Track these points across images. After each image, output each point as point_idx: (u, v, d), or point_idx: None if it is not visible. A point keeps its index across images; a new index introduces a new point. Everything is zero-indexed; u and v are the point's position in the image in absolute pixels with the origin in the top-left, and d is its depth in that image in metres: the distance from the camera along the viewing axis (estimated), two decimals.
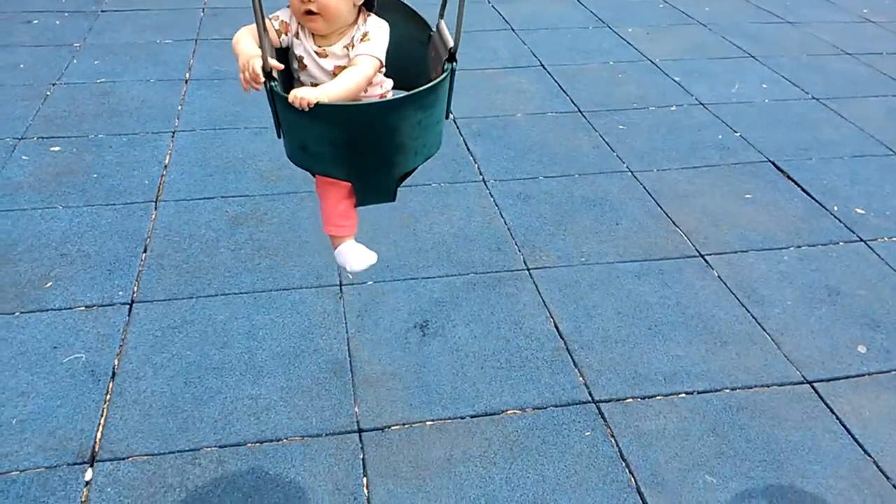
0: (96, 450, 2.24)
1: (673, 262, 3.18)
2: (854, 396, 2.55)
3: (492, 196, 3.58)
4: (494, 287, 2.99)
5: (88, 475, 2.16)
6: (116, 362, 2.56)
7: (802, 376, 2.62)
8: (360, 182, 1.84)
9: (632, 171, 3.84)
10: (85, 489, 2.12)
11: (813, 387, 2.58)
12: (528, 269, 3.09)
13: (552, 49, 5.32)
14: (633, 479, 2.24)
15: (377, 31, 1.84)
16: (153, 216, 3.34)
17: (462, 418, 2.41)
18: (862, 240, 3.36)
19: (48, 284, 2.89)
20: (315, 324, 2.76)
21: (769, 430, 2.40)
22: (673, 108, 4.54)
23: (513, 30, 5.66)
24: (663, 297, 2.97)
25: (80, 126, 4.05)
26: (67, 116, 4.14)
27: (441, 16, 1.97)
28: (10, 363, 2.53)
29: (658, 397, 2.52)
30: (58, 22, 5.47)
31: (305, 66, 1.87)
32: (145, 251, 3.11)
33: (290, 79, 1.91)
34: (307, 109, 1.64)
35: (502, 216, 3.43)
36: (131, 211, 3.37)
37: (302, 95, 1.63)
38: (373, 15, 1.88)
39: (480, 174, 3.75)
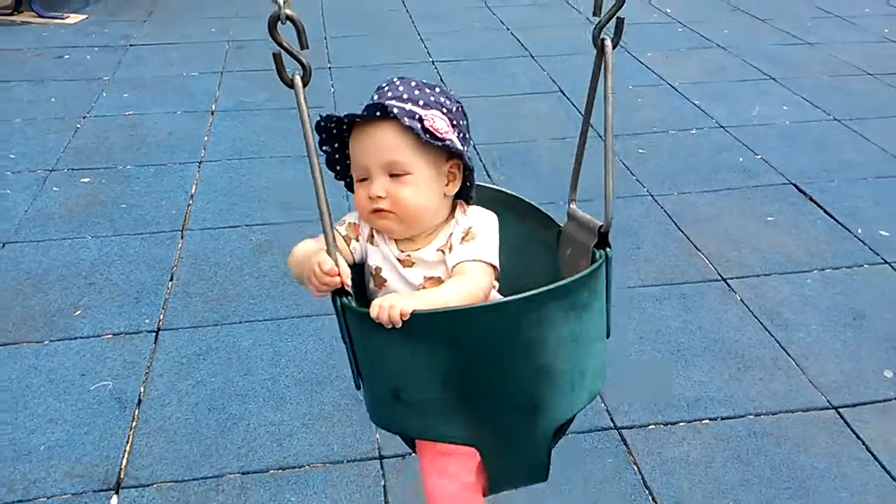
0: (121, 476, 2.28)
1: (695, 285, 3.17)
2: (881, 422, 2.51)
3: None
4: None
5: (114, 502, 2.19)
6: (142, 389, 2.60)
7: (828, 401, 2.59)
8: (494, 444, 1.23)
9: (652, 195, 3.84)
10: None
11: (839, 412, 2.54)
12: None
13: (571, 75, 5.36)
14: None
15: (485, 226, 1.38)
16: (179, 245, 3.40)
17: None
18: (887, 262, 3.32)
19: (77, 313, 2.96)
20: (337, 350, 2.78)
21: (794, 457, 2.37)
22: (693, 132, 4.54)
23: (532, 56, 5.72)
24: (685, 322, 2.96)
25: (110, 157, 4.15)
26: (97, 148, 4.25)
27: (572, 198, 1.51)
28: (39, 390, 2.58)
29: (681, 423, 2.50)
30: (88, 57, 5.63)
31: (384, 280, 1.40)
32: (172, 279, 3.17)
33: (364, 303, 1.32)
34: (399, 324, 1.14)
35: None
36: (158, 240, 3.43)
37: (391, 303, 1.15)
38: (474, 206, 1.45)
39: None
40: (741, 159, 4.21)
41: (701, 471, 2.32)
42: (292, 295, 3.07)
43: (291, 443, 2.40)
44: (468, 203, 1.45)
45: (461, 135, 1.40)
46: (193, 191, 3.84)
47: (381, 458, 2.36)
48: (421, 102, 1.35)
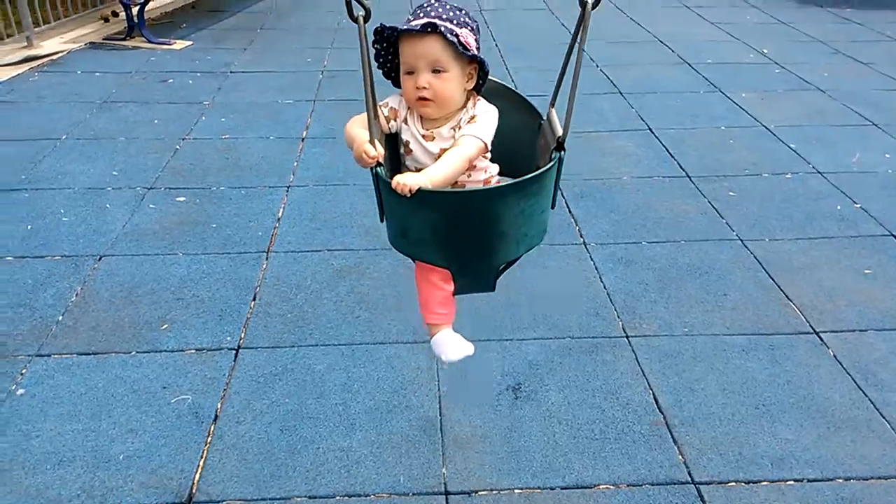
0: (194, 491, 2.32)
1: (784, 337, 3.03)
2: None
3: (592, 259, 3.53)
4: (591, 353, 2.93)
5: None
6: (219, 406, 2.66)
7: None
8: (460, 270, 1.82)
9: (742, 240, 3.71)
10: None
11: None
12: (628, 337, 3.02)
13: (660, 113, 5.27)
14: None
15: (484, 115, 1.84)
16: (264, 266, 3.49)
17: (552, 489, 2.35)
18: None
19: (164, 327, 3.06)
20: (408, 380, 2.78)
21: None
22: (788, 176, 4.38)
23: (620, 93, 5.66)
24: (773, 375, 2.82)
25: (205, 179, 4.32)
26: (193, 169, 4.43)
27: (552, 104, 1.95)
28: (122, 400, 2.68)
29: (764, 483, 2.37)
30: (191, 81, 5.91)
31: (411, 150, 1.88)
32: (254, 299, 3.25)
33: (397, 165, 1.93)
34: (409, 195, 1.64)
35: (602, 280, 3.38)
36: (244, 260, 3.54)
37: (404, 181, 1.63)
38: (482, 99, 1.89)
39: (581, 237, 3.72)
40: (839, 207, 4.03)
41: None
42: (367, 322, 3.10)
43: (359, 470, 2.40)
44: (478, 95, 1.88)
45: (478, 47, 1.84)
46: (280, 214, 3.94)
47: (447, 493, 2.33)
48: (455, 22, 1.78)
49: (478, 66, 1.84)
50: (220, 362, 2.87)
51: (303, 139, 4.86)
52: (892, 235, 3.75)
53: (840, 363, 2.88)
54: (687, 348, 2.96)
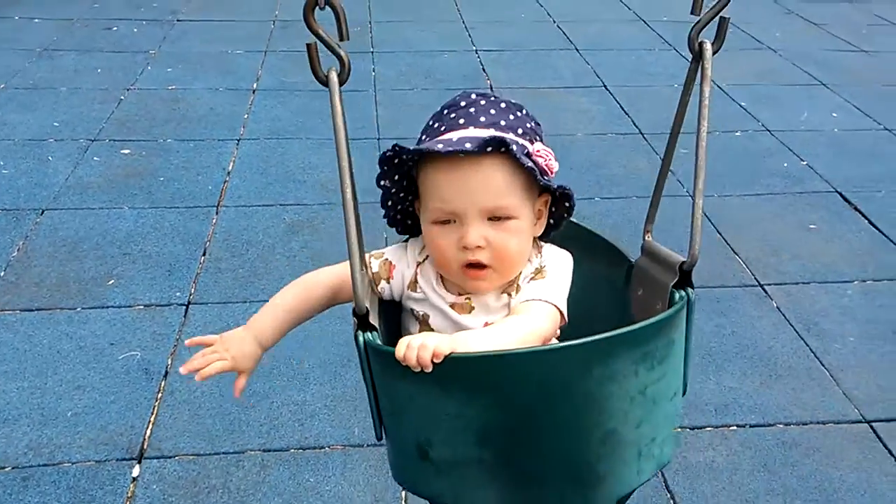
0: (145, 447, 2.30)
1: (730, 290, 3.10)
2: None
3: None
4: None
5: (136, 471, 2.22)
6: (170, 362, 2.62)
7: (861, 415, 2.51)
8: None
9: (691, 196, 3.76)
10: (132, 485, 2.18)
11: (871, 427, 2.47)
12: None
13: (616, 70, 5.28)
14: None
15: (557, 266, 1.19)
16: (214, 221, 3.42)
17: None
18: None
19: (110, 282, 2.99)
20: None
21: (823, 469, 2.31)
22: (738, 134, 4.45)
23: (577, 49, 5.64)
24: (718, 326, 2.90)
25: (151, 130, 4.20)
26: (139, 120, 4.30)
27: (648, 230, 1.31)
28: (69, 357, 2.62)
29: (708, 429, 2.45)
30: (136, 30, 5.70)
31: (432, 329, 1.20)
32: (204, 254, 3.19)
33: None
34: (430, 367, 0.95)
35: None
36: (193, 214, 3.46)
37: (422, 342, 0.95)
38: (547, 244, 1.25)
39: None
40: (786, 164, 4.11)
41: (725, 477, 2.27)
42: None
43: (313, 423, 2.41)
44: (543, 240, 1.25)
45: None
46: (230, 168, 3.86)
47: None
48: (519, 131, 1.16)
49: (550, 198, 1.21)
50: (169, 318, 2.83)
51: (253, 91, 4.74)
52: (837, 192, 3.85)
53: (783, 314, 2.97)
54: None
